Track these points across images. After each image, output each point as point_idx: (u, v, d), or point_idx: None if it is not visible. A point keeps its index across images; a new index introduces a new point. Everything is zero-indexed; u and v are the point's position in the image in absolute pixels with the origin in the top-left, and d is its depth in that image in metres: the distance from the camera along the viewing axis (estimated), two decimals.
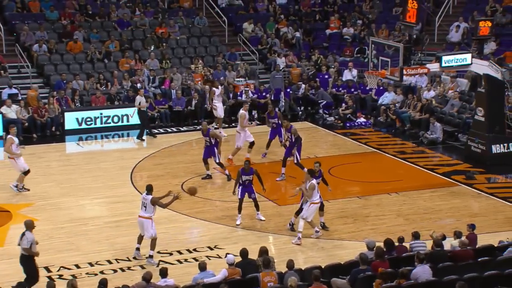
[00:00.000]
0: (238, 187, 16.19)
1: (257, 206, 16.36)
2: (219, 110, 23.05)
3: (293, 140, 18.73)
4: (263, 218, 16.36)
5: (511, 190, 18.49)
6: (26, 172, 18.09)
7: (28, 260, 12.77)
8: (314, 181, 15.13)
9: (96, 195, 18.11)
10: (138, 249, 14.45)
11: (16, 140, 18.04)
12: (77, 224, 16.24)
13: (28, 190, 18.06)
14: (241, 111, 20.29)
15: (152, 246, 14.25)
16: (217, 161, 18.71)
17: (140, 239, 14.42)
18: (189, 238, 15.57)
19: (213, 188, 18.59)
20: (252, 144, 20.12)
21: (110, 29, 28.42)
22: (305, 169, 16.68)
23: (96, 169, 19.94)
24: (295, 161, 18.74)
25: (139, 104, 22.81)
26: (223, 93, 23.79)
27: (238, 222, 16.19)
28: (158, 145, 21.25)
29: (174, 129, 24.06)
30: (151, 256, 14.22)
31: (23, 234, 12.73)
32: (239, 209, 16.18)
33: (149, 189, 14.34)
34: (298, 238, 15.14)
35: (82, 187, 18.64)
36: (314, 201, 15.11)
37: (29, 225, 12.88)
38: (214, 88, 23.21)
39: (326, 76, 27.21)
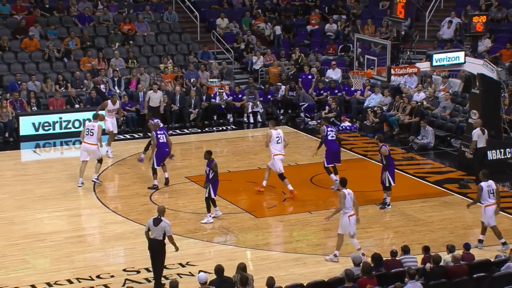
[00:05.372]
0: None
1: (207, 207, 16.89)
2: (109, 124, 21.57)
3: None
4: (203, 221, 16.91)
5: (509, 199, 18.58)
6: None
7: None
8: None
9: (55, 208, 17.97)
10: (480, 241, 15.50)
11: None
12: (34, 240, 16.10)
13: None
14: None
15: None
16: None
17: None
18: None
19: (185, 199, 18.55)
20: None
21: (69, 24, 28.28)
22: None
23: (54, 179, 19.79)
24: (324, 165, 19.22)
25: (149, 99, 23.13)
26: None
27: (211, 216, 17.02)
28: (123, 152, 21.15)
29: (141, 135, 23.92)
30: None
31: None
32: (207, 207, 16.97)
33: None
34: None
35: (39, 199, 18.50)
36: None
37: None
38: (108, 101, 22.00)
39: (310, 77, 27.24)
